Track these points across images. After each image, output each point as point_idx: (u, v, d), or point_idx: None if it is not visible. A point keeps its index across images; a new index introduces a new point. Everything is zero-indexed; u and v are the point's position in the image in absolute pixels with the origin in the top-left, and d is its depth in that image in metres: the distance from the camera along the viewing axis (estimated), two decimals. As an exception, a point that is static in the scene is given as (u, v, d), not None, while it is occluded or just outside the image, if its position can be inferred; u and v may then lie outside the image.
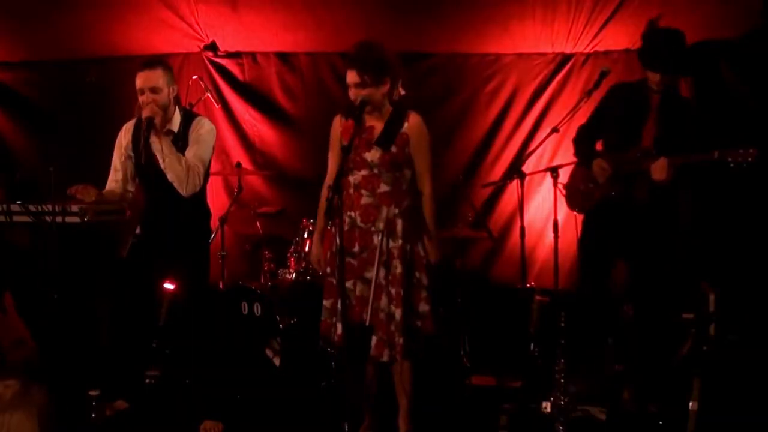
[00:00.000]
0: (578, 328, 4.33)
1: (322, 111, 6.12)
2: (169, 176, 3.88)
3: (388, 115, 3.67)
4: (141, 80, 3.93)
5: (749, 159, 3.64)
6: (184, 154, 3.93)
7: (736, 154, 3.67)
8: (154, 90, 3.90)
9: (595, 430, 4.02)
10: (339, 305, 3.54)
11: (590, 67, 5.86)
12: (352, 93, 3.59)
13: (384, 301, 3.61)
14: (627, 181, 4.10)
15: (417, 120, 3.67)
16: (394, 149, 3.63)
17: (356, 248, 3.66)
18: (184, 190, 3.90)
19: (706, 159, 3.79)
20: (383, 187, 3.66)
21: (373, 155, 3.63)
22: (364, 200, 3.67)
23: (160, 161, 3.88)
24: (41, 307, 4.32)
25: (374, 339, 3.62)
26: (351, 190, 3.69)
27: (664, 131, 4.01)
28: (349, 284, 3.64)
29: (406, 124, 3.65)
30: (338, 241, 3.36)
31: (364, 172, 3.66)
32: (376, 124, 3.66)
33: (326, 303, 3.75)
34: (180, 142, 3.97)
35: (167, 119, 3.99)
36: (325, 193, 3.80)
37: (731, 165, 3.70)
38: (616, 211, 4.16)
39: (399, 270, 3.62)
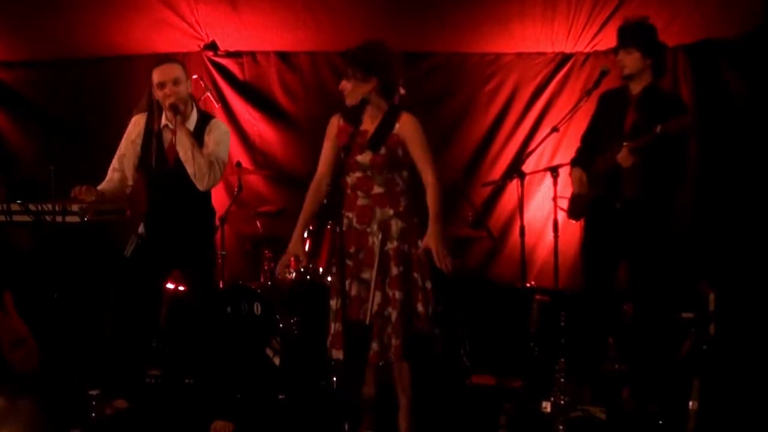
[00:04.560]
0: (578, 328, 4.34)
1: (322, 111, 6.12)
2: (190, 169, 3.85)
3: (380, 116, 3.68)
4: (161, 74, 3.90)
5: (687, 124, 3.85)
6: None
7: (676, 122, 3.83)
8: (176, 82, 3.89)
9: (595, 430, 4.02)
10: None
11: (590, 67, 5.86)
12: (340, 86, 3.64)
13: (380, 303, 3.60)
14: (609, 181, 4.13)
15: (408, 119, 3.66)
16: (383, 151, 3.63)
17: (352, 249, 3.66)
18: (203, 184, 3.88)
19: (653, 136, 3.89)
20: (377, 189, 3.68)
21: (364, 158, 3.65)
22: (360, 201, 3.69)
23: (182, 153, 3.85)
24: (41, 307, 4.33)
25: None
26: (348, 191, 3.71)
27: (642, 120, 4.05)
28: (345, 285, 3.65)
29: (397, 125, 3.65)
30: (339, 241, 3.35)
31: (358, 174, 3.68)
32: (369, 127, 3.67)
33: (332, 303, 3.75)
34: (196, 141, 3.95)
35: (185, 116, 3.96)
36: (313, 188, 3.81)
37: (676, 134, 3.88)
38: (611, 213, 4.16)
39: (395, 272, 3.62)
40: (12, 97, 6.28)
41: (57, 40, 5.97)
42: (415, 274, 3.68)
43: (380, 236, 3.63)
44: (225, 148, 4.01)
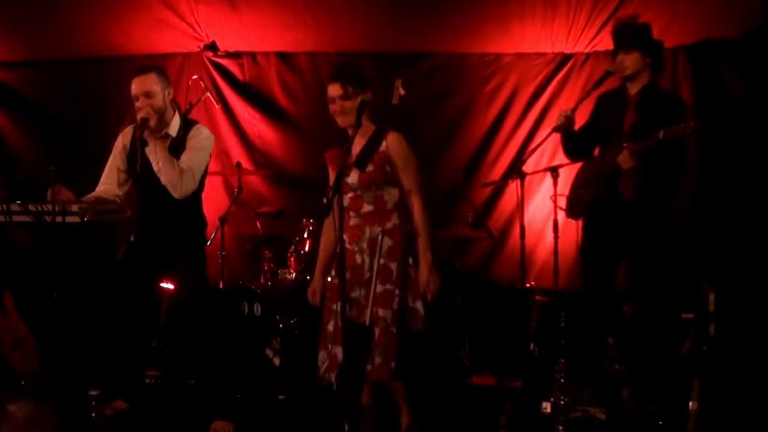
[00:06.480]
0: (578, 328, 4.34)
1: (322, 111, 6.10)
2: (163, 179, 3.89)
3: (368, 136, 3.67)
4: (134, 86, 3.93)
5: (690, 131, 3.82)
6: (179, 159, 3.94)
7: (679, 129, 3.83)
8: (148, 95, 3.90)
9: (595, 430, 4.02)
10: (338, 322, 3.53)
11: (590, 67, 5.87)
12: (337, 105, 3.61)
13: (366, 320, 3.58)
14: (607, 181, 4.13)
15: (395, 138, 3.65)
16: (370, 168, 3.62)
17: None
18: (177, 193, 3.91)
19: (655, 140, 3.88)
20: (366, 207, 3.67)
21: (352, 177, 3.64)
22: (352, 222, 3.69)
23: (154, 164, 3.89)
24: (41, 307, 4.33)
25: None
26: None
27: (641, 120, 4.05)
28: (335, 306, 3.65)
29: (384, 143, 3.64)
30: (340, 258, 3.33)
31: (350, 195, 3.68)
32: (356, 148, 3.65)
33: (329, 327, 3.71)
34: (178, 147, 3.98)
35: (165, 123, 3.98)
36: (327, 226, 3.78)
37: (678, 139, 3.88)
38: (609, 212, 4.16)
39: (380, 289, 3.59)
40: (12, 97, 6.28)
41: (57, 40, 5.97)
42: (409, 294, 3.65)
43: (367, 254, 3.62)
44: (204, 154, 4.01)
